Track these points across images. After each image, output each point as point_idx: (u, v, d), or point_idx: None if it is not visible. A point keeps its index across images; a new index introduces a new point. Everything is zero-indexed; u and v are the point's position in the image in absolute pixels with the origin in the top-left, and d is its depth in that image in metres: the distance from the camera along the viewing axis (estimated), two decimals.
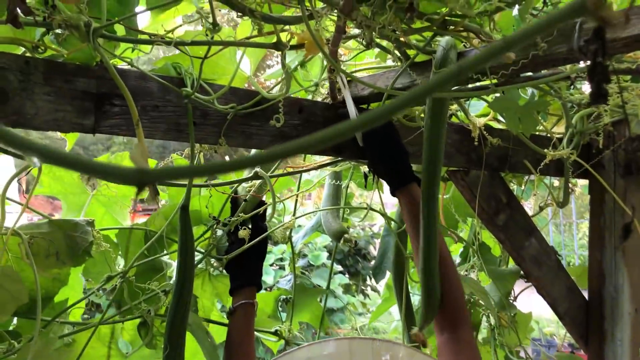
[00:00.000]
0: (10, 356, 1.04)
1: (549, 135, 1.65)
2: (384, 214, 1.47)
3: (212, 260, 1.30)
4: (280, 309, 1.57)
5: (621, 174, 1.78)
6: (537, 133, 1.77)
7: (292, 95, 1.27)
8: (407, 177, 1.22)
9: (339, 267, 7.02)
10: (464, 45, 1.09)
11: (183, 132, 1.10)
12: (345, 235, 1.38)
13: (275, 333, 1.46)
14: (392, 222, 1.50)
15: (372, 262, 8.09)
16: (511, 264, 1.96)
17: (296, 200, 1.42)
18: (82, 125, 1.01)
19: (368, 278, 8.18)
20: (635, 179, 1.76)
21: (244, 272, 1.28)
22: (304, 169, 1.35)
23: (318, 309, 1.68)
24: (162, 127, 1.09)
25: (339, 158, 1.40)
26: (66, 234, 1.06)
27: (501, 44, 0.26)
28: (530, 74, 1.10)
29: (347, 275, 7.37)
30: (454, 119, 1.54)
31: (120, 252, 1.22)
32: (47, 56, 0.98)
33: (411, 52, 1.14)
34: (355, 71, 1.35)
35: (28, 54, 0.97)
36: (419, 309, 1.81)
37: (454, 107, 1.43)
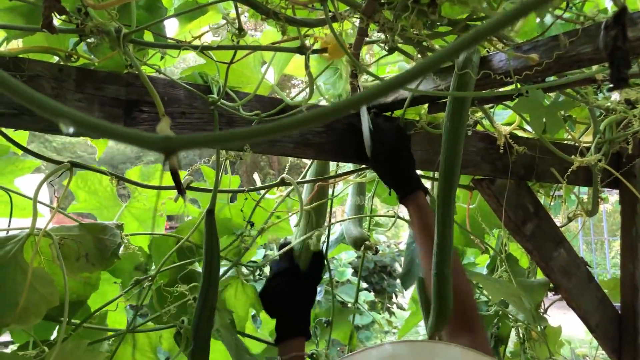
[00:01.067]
0: None
1: (577, 144, 1.63)
2: (409, 222, 1.46)
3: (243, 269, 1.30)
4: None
5: None
6: (565, 142, 1.75)
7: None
8: (413, 186, 1.21)
9: (364, 284, 6.97)
10: (487, 50, 1.09)
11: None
12: (366, 243, 1.38)
13: (311, 356, 1.45)
14: None
15: (398, 280, 8.03)
16: (540, 275, 1.92)
17: (330, 208, 1.40)
18: None
19: (394, 295, 8.10)
20: None
21: (293, 321, 1.20)
22: (330, 176, 1.35)
23: (348, 327, 1.67)
24: (188, 133, 1.11)
25: (363, 165, 1.41)
26: (95, 237, 1.08)
27: (497, 19, 0.27)
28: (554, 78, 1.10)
29: (372, 293, 7.31)
30: (479, 127, 1.54)
31: (153, 261, 1.23)
32: (79, 65, 1.02)
33: None
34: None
35: (62, 63, 1.01)
36: None
37: (479, 114, 1.42)
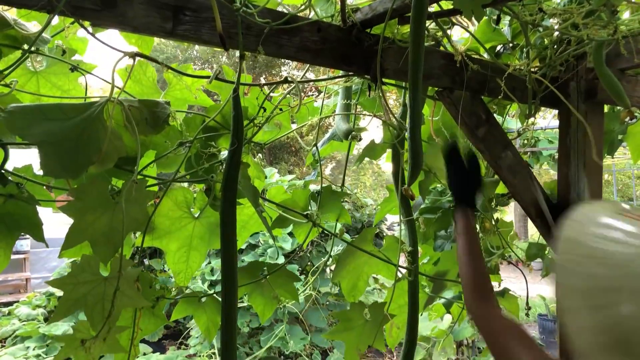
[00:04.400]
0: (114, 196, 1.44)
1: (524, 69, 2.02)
2: (384, 122, 1.86)
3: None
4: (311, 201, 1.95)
5: (583, 100, 2.14)
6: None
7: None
8: (464, 202, 1.70)
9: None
10: None
11: (233, 39, 1.50)
12: (352, 133, 1.77)
13: (305, 216, 1.85)
14: (391, 128, 1.88)
15: None
16: None
17: (322, 102, 1.80)
18: (164, 28, 1.41)
19: None
20: (593, 103, 2.13)
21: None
22: (325, 78, 1.74)
23: (339, 208, 2.05)
24: (218, 34, 1.49)
25: (350, 73, 1.79)
26: (150, 110, 1.47)
27: None
28: None
29: None
30: (441, 48, 1.92)
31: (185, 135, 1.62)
32: None
33: None
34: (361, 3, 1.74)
35: None
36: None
37: (440, 33, 1.81)
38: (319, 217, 1.78)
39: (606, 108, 2.61)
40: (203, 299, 1.68)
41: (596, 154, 2.07)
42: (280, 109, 1.70)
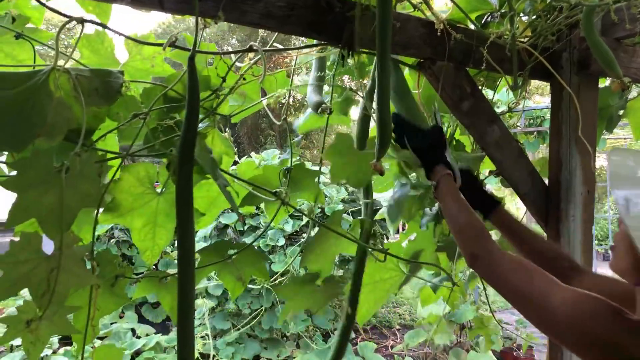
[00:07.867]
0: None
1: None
2: (363, 97, 1.76)
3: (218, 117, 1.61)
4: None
5: (575, 72, 2.03)
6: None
7: None
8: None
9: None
10: None
11: (189, 4, 1.41)
12: (323, 105, 1.68)
13: (274, 194, 1.78)
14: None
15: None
16: None
17: (292, 73, 1.71)
18: None
19: (385, 237, 8.52)
20: (586, 75, 2.02)
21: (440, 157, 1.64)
22: (293, 47, 1.64)
23: (315, 188, 1.96)
24: None
25: (320, 41, 1.69)
26: (102, 80, 1.39)
27: None
28: None
29: None
30: (419, 14, 1.81)
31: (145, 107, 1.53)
32: None
33: None
34: None
35: None
36: None
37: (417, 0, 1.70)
38: (288, 195, 1.70)
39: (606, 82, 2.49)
40: (167, 279, 1.62)
41: (584, 130, 1.96)
42: (244, 79, 1.61)
